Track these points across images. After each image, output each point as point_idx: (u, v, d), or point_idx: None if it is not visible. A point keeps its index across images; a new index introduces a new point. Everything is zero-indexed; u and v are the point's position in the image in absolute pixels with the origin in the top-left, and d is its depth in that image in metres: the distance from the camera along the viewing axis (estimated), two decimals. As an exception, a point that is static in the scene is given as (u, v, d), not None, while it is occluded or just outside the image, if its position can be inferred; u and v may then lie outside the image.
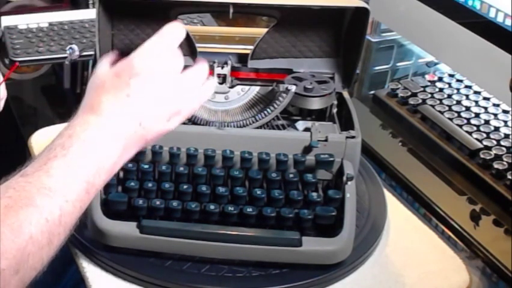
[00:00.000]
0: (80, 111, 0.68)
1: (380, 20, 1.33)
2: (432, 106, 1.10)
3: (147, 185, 0.81)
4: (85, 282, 0.79)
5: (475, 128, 1.04)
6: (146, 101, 0.68)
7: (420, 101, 1.12)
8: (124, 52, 0.71)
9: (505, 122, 1.06)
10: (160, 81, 0.68)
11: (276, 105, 0.88)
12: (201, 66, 0.73)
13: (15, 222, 0.58)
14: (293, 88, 0.90)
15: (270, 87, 0.92)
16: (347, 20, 0.93)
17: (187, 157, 0.83)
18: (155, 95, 0.68)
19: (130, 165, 0.82)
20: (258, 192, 0.81)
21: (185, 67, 0.71)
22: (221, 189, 0.81)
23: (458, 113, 1.08)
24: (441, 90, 1.15)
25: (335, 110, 0.92)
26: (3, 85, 0.94)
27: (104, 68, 0.70)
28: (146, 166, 0.82)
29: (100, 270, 0.79)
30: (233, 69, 0.94)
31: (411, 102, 1.12)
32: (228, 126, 0.87)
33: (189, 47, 0.95)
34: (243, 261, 0.79)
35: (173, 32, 0.71)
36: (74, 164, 0.63)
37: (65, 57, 1.03)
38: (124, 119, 0.67)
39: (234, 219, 0.80)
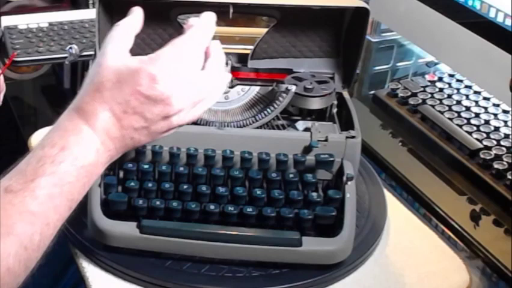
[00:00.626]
0: (74, 111, 0.66)
1: (380, 20, 1.33)
2: (432, 106, 1.10)
3: (147, 185, 0.81)
4: (85, 282, 0.79)
5: (475, 128, 1.04)
6: (143, 121, 0.66)
7: (420, 101, 1.12)
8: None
9: (505, 122, 1.06)
10: (161, 105, 0.66)
11: (276, 105, 0.88)
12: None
13: None
14: (293, 88, 0.90)
15: (270, 87, 0.92)
16: (347, 20, 0.93)
17: (187, 157, 0.83)
18: (153, 117, 0.66)
19: (130, 165, 0.82)
20: (258, 192, 0.81)
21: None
22: (221, 189, 0.81)
23: (458, 113, 1.08)
24: (441, 90, 1.15)
25: (335, 110, 0.92)
26: (2, 78, 0.93)
27: (112, 59, 0.67)
28: (146, 166, 0.82)
29: (100, 270, 0.79)
30: (233, 69, 0.94)
31: (411, 102, 1.12)
32: (228, 126, 0.87)
33: (189, 47, 0.95)
34: (243, 261, 0.79)
35: (204, 32, 0.70)
36: (61, 184, 0.62)
37: (65, 57, 1.03)
38: (117, 135, 0.66)
39: (234, 219, 0.80)
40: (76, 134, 0.64)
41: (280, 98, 0.89)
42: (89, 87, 0.66)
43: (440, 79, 1.19)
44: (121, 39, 0.70)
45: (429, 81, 1.18)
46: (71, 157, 0.63)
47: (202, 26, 0.71)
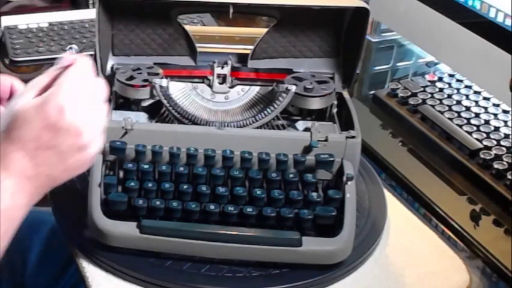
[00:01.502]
0: None
1: (380, 20, 1.33)
2: (432, 106, 1.10)
3: (147, 185, 0.81)
4: (84, 282, 0.79)
5: (475, 128, 1.04)
6: (58, 155, 0.65)
7: (420, 101, 1.12)
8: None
9: (505, 122, 1.06)
10: (74, 134, 0.65)
11: (276, 105, 0.88)
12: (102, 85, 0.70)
13: None
14: (293, 88, 0.90)
15: (270, 87, 0.92)
16: (347, 20, 0.93)
17: (187, 157, 0.83)
18: (67, 149, 0.65)
19: (130, 165, 0.82)
20: (258, 192, 0.81)
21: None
22: (221, 189, 0.81)
23: (458, 113, 1.08)
24: (441, 90, 1.15)
25: (335, 110, 0.92)
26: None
27: (21, 103, 0.66)
28: (146, 166, 0.82)
29: (100, 270, 0.79)
30: (233, 69, 0.94)
31: (411, 102, 1.12)
32: (228, 126, 0.87)
33: (189, 47, 0.95)
34: (243, 261, 0.79)
35: (84, 67, 0.69)
36: None
37: (64, 57, 1.03)
38: (32, 174, 0.64)
39: (234, 219, 0.80)
40: None
41: (280, 98, 0.89)
42: (6, 125, 0.65)
43: (440, 79, 1.19)
44: (30, 89, 0.68)
45: (429, 81, 1.18)
46: None
47: (78, 60, 0.70)
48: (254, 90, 0.93)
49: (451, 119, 1.07)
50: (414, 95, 1.14)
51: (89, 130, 0.67)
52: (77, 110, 0.65)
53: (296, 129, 0.90)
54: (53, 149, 0.65)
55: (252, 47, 0.95)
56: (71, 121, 0.65)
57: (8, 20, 1.33)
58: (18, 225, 0.65)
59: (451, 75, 1.19)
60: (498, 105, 1.10)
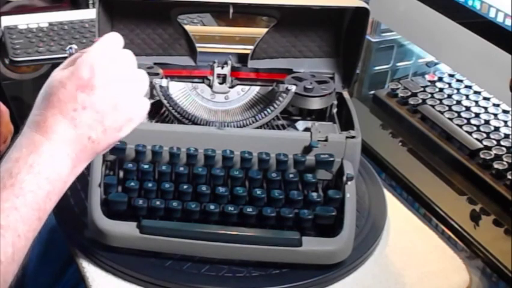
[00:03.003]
0: (27, 127, 0.65)
1: (380, 20, 1.33)
2: (432, 106, 1.10)
3: (147, 185, 0.81)
4: (85, 282, 0.79)
5: (475, 128, 1.04)
6: (95, 114, 0.65)
7: (420, 101, 1.12)
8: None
9: (505, 122, 1.06)
10: (108, 91, 0.66)
11: (276, 105, 0.88)
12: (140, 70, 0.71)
13: None
14: (293, 88, 0.90)
15: (270, 87, 0.92)
16: (347, 20, 0.93)
17: (187, 157, 0.83)
18: (103, 107, 0.65)
19: (130, 165, 0.82)
20: (258, 192, 0.81)
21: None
22: (221, 189, 0.81)
23: (458, 113, 1.08)
24: (441, 90, 1.15)
25: (335, 110, 0.92)
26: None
27: (54, 74, 0.67)
28: (146, 166, 0.82)
29: (100, 270, 0.79)
30: (233, 69, 0.94)
31: (411, 102, 1.12)
32: (228, 126, 0.87)
33: (189, 47, 0.95)
34: (243, 261, 0.79)
35: (113, 37, 0.69)
36: (23, 193, 0.61)
37: (65, 57, 1.02)
38: (72, 137, 0.64)
39: (234, 219, 0.80)
40: (28, 144, 0.63)
41: (280, 98, 0.89)
42: (37, 101, 0.67)
43: (440, 79, 1.19)
44: (62, 65, 0.70)
45: (429, 81, 1.18)
46: (26, 166, 0.62)
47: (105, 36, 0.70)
48: (254, 90, 0.93)
49: (451, 119, 1.07)
50: (414, 95, 1.14)
51: (124, 89, 0.67)
52: (109, 68, 0.66)
53: (296, 129, 0.90)
54: (89, 108, 0.65)
55: (252, 47, 0.95)
56: (103, 78, 0.65)
57: (8, 20, 1.33)
58: (62, 193, 0.65)
59: (451, 75, 1.19)
60: (498, 105, 1.10)
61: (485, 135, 1.03)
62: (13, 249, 0.59)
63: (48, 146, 0.63)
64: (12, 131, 0.98)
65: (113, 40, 0.69)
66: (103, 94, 0.65)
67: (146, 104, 0.70)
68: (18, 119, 1.09)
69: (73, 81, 0.65)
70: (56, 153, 0.64)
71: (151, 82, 0.89)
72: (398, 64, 1.32)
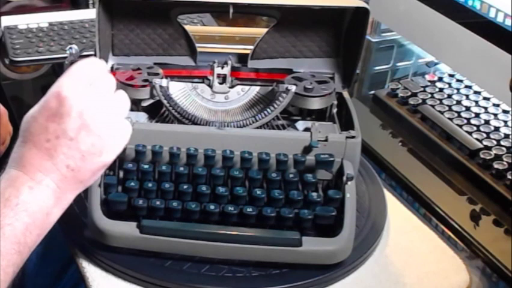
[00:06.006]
0: (7, 166, 0.65)
1: (380, 20, 1.33)
2: (432, 106, 1.10)
3: (147, 185, 0.81)
4: (85, 282, 0.79)
5: (475, 128, 1.04)
6: (69, 142, 0.65)
7: (420, 101, 1.12)
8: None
9: (505, 122, 1.06)
10: (79, 117, 0.65)
11: (276, 105, 0.88)
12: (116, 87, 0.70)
13: None
14: (293, 88, 0.90)
15: (270, 87, 0.92)
16: (347, 20, 0.93)
17: (187, 157, 0.83)
18: (76, 134, 0.65)
19: (130, 165, 0.82)
20: (258, 192, 0.81)
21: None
22: (221, 189, 0.81)
23: (458, 113, 1.08)
24: (441, 90, 1.15)
25: (335, 110, 0.92)
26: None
27: (31, 111, 0.67)
28: (146, 166, 0.82)
29: (100, 270, 0.79)
30: (233, 69, 0.94)
31: (411, 102, 1.12)
32: (228, 126, 0.87)
33: (189, 47, 0.95)
34: (243, 261, 0.79)
35: (88, 63, 0.69)
36: (0, 227, 0.61)
37: (65, 57, 1.03)
38: (49, 167, 0.64)
39: (234, 219, 0.80)
40: (6, 179, 0.64)
41: (280, 98, 0.89)
42: (19, 137, 0.67)
43: (440, 79, 1.19)
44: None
45: (429, 81, 1.18)
46: (3, 199, 0.62)
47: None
48: (254, 90, 0.93)
49: (451, 119, 1.07)
50: (414, 95, 1.14)
51: (98, 113, 0.66)
52: (80, 94, 0.66)
53: (296, 129, 0.90)
54: (62, 137, 0.65)
55: (252, 47, 0.95)
56: (72, 105, 0.65)
57: (8, 20, 1.33)
58: (47, 228, 0.65)
59: (451, 75, 1.19)
60: (498, 105, 1.10)
61: (485, 135, 1.03)
62: None
63: (25, 179, 0.63)
64: (11, 131, 0.98)
65: (89, 66, 0.69)
66: (74, 121, 0.65)
67: (126, 126, 0.70)
68: (18, 119, 1.09)
69: (42, 113, 0.65)
70: (34, 185, 0.64)
71: (151, 82, 0.89)
72: (398, 64, 1.32)
